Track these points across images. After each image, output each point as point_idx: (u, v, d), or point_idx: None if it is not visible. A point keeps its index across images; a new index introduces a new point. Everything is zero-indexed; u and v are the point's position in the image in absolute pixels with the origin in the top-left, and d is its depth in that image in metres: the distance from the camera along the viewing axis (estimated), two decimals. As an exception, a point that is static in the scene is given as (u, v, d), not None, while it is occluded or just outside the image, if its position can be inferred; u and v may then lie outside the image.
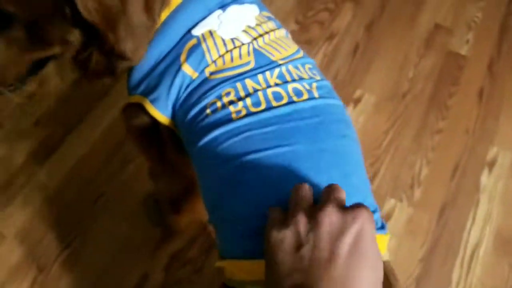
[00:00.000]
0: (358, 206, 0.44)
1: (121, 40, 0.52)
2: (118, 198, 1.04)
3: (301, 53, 0.61)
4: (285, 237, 0.42)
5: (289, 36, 0.66)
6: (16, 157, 1.09)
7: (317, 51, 1.26)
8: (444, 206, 1.06)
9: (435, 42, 1.29)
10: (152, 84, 0.59)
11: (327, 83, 0.59)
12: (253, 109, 0.53)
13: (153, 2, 0.53)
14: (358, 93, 1.20)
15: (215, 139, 0.53)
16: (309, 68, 0.59)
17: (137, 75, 0.61)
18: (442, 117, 1.17)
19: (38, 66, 0.59)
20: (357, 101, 1.19)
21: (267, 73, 0.56)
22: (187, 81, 0.57)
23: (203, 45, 0.56)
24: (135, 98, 0.61)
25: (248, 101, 0.54)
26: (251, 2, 0.62)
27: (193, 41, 0.57)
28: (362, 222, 0.42)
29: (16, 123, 1.13)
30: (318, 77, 0.59)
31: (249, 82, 0.55)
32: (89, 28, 0.51)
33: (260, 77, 0.55)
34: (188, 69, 0.56)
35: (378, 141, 1.14)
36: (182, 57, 0.57)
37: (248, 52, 0.57)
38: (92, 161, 1.09)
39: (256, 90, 0.54)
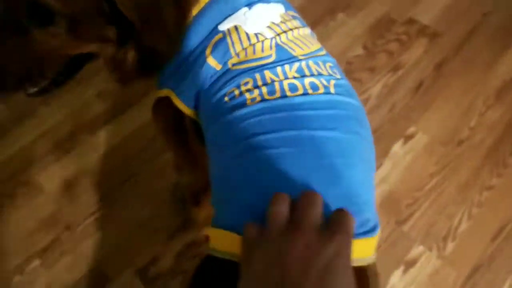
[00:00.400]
0: (337, 224, 0.42)
1: (155, 37, 0.55)
2: (148, 182, 1.08)
3: (323, 52, 0.62)
4: (258, 257, 0.42)
5: (314, 36, 0.66)
6: (75, 121, 1.18)
7: (378, 79, 1.23)
8: (477, 267, 0.97)
9: (508, 95, 1.20)
10: (179, 78, 0.62)
11: (346, 82, 0.59)
12: (267, 97, 0.54)
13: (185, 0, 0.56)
14: (411, 130, 1.15)
15: (228, 122, 0.55)
16: (330, 66, 0.59)
17: (167, 70, 0.63)
18: (498, 174, 1.07)
19: (76, 66, 0.62)
20: (408, 138, 1.13)
21: (286, 66, 0.57)
22: (211, 72, 0.58)
23: (228, 39, 0.58)
24: (164, 92, 0.64)
25: (264, 89, 0.55)
26: (277, 1, 0.63)
27: (219, 36, 0.59)
28: (337, 246, 0.40)
29: (82, 92, 1.23)
30: (338, 76, 0.58)
31: (267, 74, 0.56)
32: (125, 26, 0.54)
33: (279, 69, 0.56)
34: (212, 62, 0.58)
35: (421, 183, 1.07)
36: (208, 51, 0.58)
37: (270, 46, 0.58)
38: (135, 142, 1.14)
39: (273, 81, 0.55)
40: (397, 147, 1.12)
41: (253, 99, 0.54)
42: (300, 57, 0.58)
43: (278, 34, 0.59)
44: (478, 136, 1.13)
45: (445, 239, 1.00)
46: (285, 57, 0.58)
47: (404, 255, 0.99)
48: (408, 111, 1.18)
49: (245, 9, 0.60)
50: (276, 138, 0.51)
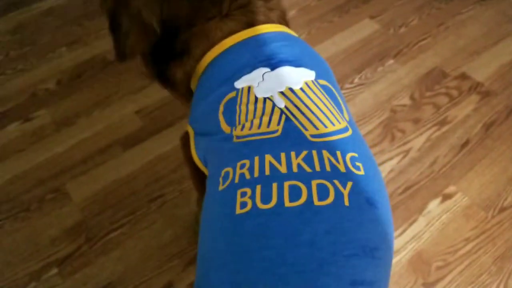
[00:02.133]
0: None
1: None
2: (174, 205, 1.07)
3: (347, 133, 0.52)
4: None
5: (346, 111, 0.57)
6: (111, 135, 1.20)
7: (422, 132, 1.18)
8: None
9: (561, 166, 1.12)
10: (198, 120, 0.61)
11: (370, 181, 0.47)
12: (260, 205, 0.45)
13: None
14: (451, 189, 1.09)
15: (214, 219, 0.49)
16: (351, 158, 0.48)
17: (193, 103, 0.64)
18: (541, 249, 1.00)
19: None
20: (447, 197, 1.08)
21: (292, 154, 0.48)
22: (219, 134, 0.55)
23: (238, 101, 0.54)
24: (188, 128, 0.64)
25: (258, 191, 0.45)
26: (311, 68, 0.57)
27: (232, 94, 0.56)
28: None
29: (122, 107, 1.25)
30: (360, 172, 0.48)
31: (268, 158, 0.48)
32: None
33: (282, 155, 0.48)
34: (222, 120, 0.55)
35: (455, 246, 1.01)
36: (221, 108, 0.56)
37: (279, 120, 0.51)
38: (166, 162, 1.14)
39: (272, 177, 0.46)
40: (433, 205, 1.06)
41: (243, 204, 0.45)
42: (311, 139, 0.49)
43: (292, 103, 0.52)
44: (523, 206, 1.06)
45: (475, 312, 0.93)
46: (293, 135, 0.50)
47: (428, 323, 0.93)
48: (449, 169, 1.12)
49: (267, 69, 0.56)
50: None
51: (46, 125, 1.22)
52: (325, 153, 0.48)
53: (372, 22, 1.46)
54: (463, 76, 1.30)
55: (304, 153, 0.48)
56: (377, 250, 0.44)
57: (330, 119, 0.52)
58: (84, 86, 1.31)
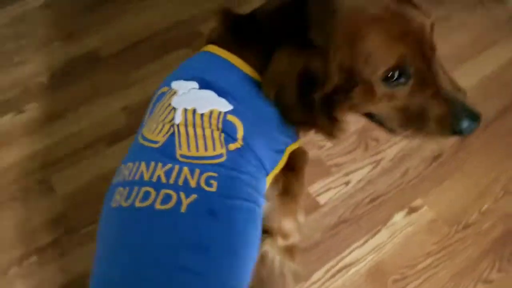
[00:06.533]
0: None
1: None
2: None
3: (218, 160, 0.60)
4: None
5: (229, 142, 0.64)
6: (97, 131, 1.26)
7: (395, 142, 1.20)
8: None
9: (531, 185, 1.12)
10: None
11: (218, 199, 0.58)
12: (123, 203, 0.58)
13: None
14: (418, 202, 1.10)
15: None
16: (207, 177, 0.58)
17: None
18: (499, 268, 1.01)
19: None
20: (412, 210, 1.10)
21: (159, 164, 0.59)
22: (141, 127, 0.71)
23: (162, 99, 0.67)
24: None
25: (125, 192, 0.59)
26: (235, 105, 0.64)
27: (164, 89, 0.69)
28: None
29: (109, 104, 1.30)
30: (211, 188, 0.57)
31: (142, 165, 0.60)
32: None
33: (152, 164, 0.59)
34: (147, 112, 0.72)
35: (415, 260, 1.03)
36: (154, 98, 0.71)
37: (166, 133, 0.62)
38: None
39: (137, 181, 0.58)
40: (398, 217, 1.09)
41: (115, 200, 0.60)
42: (179, 158, 0.59)
43: (185, 124, 0.61)
44: (487, 224, 1.07)
45: (424, 325, 0.97)
46: (167, 150, 0.60)
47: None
48: (419, 181, 1.14)
49: (195, 86, 0.65)
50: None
51: (36, 118, 1.29)
52: (185, 170, 0.58)
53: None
54: (446, 87, 1.30)
55: (168, 166, 0.58)
56: (206, 249, 0.55)
57: (209, 146, 0.61)
58: (75, 81, 1.37)
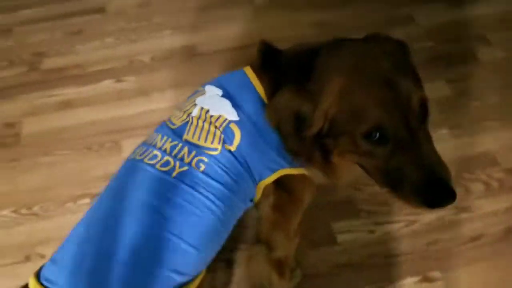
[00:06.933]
0: None
1: None
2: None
3: (213, 152, 0.75)
4: None
5: (226, 137, 0.77)
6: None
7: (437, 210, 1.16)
8: None
9: None
10: None
11: (200, 175, 0.73)
12: (137, 157, 0.77)
13: None
14: (435, 274, 1.05)
15: None
16: (199, 160, 0.74)
17: None
18: None
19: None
20: (426, 279, 1.04)
21: (169, 139, 0.77)
22: None
23: (194, 96, 0.84)
24: None
25: (142, 149, 0.78)
26: (241, 117, 0.77)
27: (201, 88, 0.85)
28: None
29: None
30: (198, 169, 0.73)
31: (159, 137, 0.78)
32: None
33: (165, 138, 0.77)
34: None
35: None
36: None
37: (182, 121, 0.79)
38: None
39: (154, 144, 0.77)
40: (409, 281, 1.06)
41: (135, 153, 0.79)
42: (184, 138, 0.76)
43: (198, 118, 0.77)
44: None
45: None
46: (178, 132, 0.77)
47: None
48: (445, 255, 1.10)
49: (220, 93, 0.79)
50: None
51: (129, 89, 1.50)
52: (185, 149, 0.75)
53: (446, 86, 1.43)
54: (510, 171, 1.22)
55: (175, 142, 0.76)
56: (180, 206, 0.70)
57: (210, 140, 0.76)
58: (170, 67, 1.56)
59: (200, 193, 0.72)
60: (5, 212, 1.23)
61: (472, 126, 1.33)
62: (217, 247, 0.78)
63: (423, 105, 0.66)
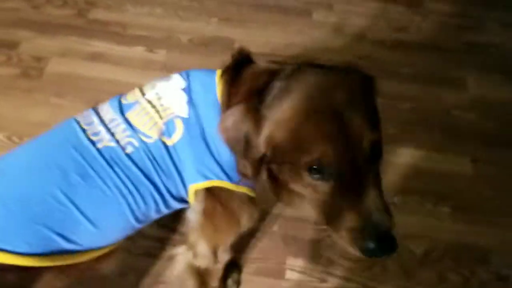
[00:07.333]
0: None
1: None
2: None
3: (146, 139, 0.74)
4: None
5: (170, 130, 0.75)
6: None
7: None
8: None
9: None
10: None
11: (122, 156, 0.73)
12: (78, 118, 0.78)
13: None
14: None
15: None
16: (129, 141, 0.74)
17: None
18: None
19: None
20: None
21: (113, 112, 0.77)
22: None
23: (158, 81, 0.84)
24: None
25: (84, 114, 0.80)
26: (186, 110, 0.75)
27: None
28: None
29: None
30: (126, 150, 0.73)
31: (106, 105, 0.79)
32: None
33: (110, 109, 0.78)
34: None
35: None
36: None
37: (136, 99, 0.78)
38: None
39: (98, 112, 0.78)
40: None
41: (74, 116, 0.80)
42: (126, 117, 0.75)
43: (149, 101, 0.77)
44: None
45: None
46: (124, 109, 0.77)
47: None
48: None
49: (183, 85, 0.77)
50: None
51: (157, 61, 1.52)
52: (122, 126, 0.75)
53: (470, 164, 1.30)
54: (498, 276, 1.09)
55: (115, 117, 0.76)
56: (88, 176, 0.71)
57: (146, 125, 0.75)
58: (203, 53, 1.55)
59: (115, 172, 0.72)
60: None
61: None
62: (124, 232, 0.78)
63: (375, 146, 0.61)
